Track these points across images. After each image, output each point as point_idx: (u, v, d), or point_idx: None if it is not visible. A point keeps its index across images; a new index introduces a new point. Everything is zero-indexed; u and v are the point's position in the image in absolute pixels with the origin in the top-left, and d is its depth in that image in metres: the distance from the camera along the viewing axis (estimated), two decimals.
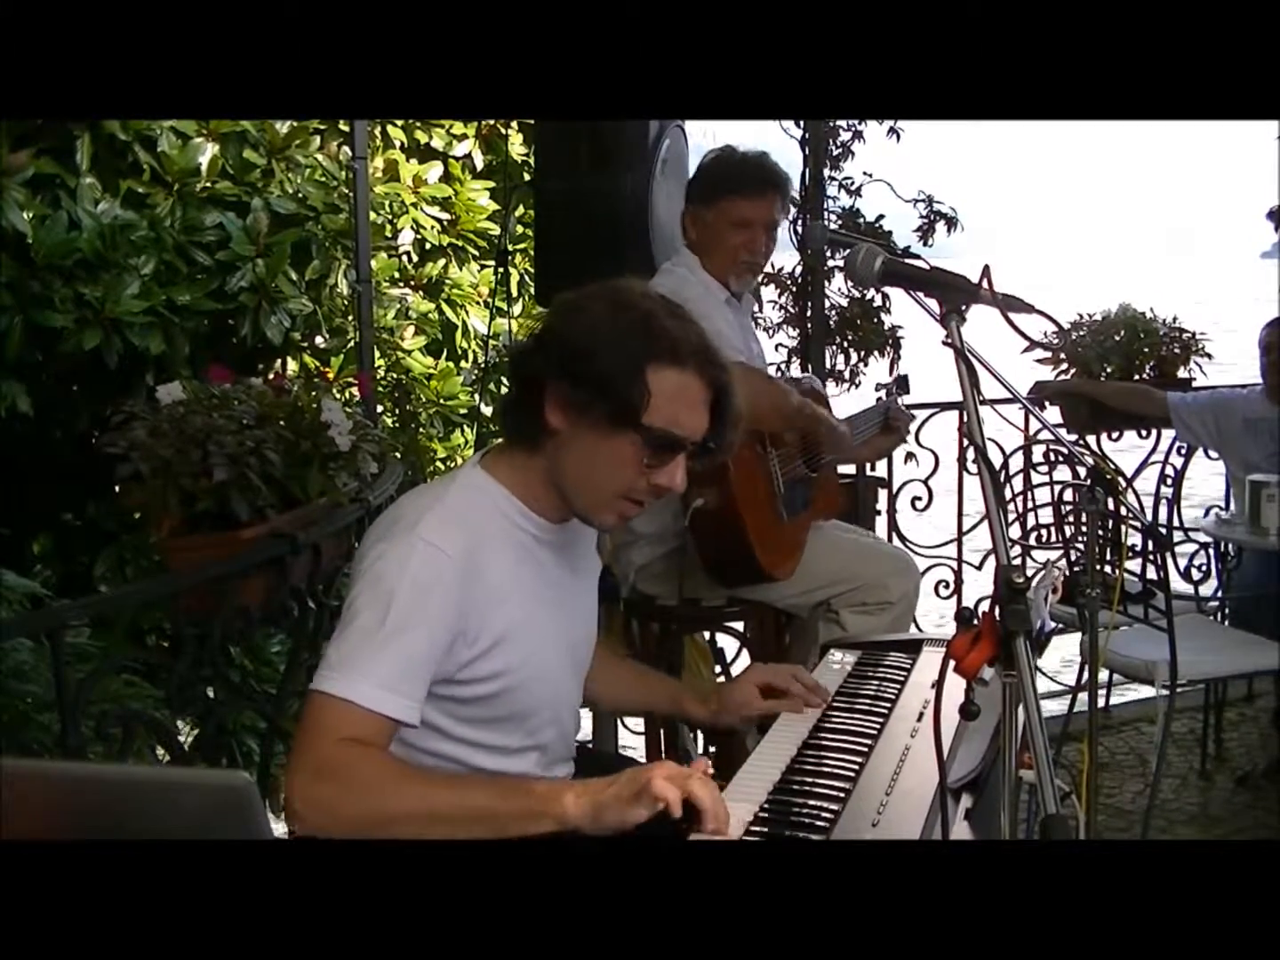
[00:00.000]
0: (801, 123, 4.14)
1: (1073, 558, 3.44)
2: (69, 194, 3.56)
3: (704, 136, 4.17)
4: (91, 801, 1.07)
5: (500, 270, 4.64)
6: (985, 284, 1.51)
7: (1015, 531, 3.97)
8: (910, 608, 3.02)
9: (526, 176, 4.55)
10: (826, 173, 4.30)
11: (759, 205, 2.89)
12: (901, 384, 3.39)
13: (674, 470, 1.67)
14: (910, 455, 4.15)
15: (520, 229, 4.89)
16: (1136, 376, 4.38)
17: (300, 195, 4.01)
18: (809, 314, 4.31)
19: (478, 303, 5.10)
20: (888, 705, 1.90)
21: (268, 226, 3.86)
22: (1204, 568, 4.35)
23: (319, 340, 4.36)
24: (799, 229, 4.03)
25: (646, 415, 1.62)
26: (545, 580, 1.76)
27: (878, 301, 4.41)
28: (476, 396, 4.81)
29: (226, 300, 3.81)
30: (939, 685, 1.28)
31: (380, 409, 4.42)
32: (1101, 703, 4.13)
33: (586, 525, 1.81)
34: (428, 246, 4.98)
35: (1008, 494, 3.97)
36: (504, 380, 4.10)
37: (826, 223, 4.21)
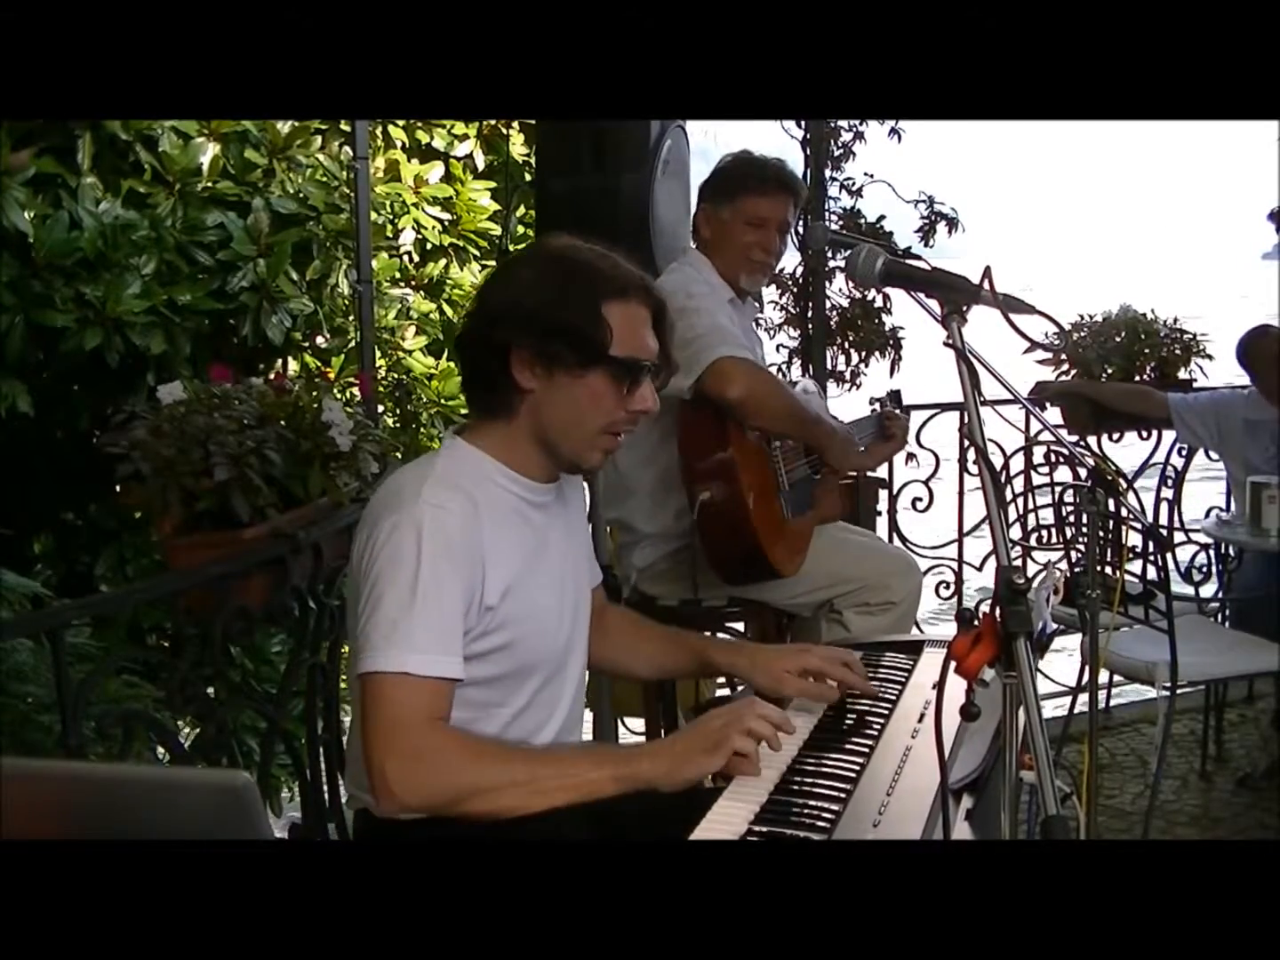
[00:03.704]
0: (803, 123, 4.14)
1: (1073, 559, 3.44)
2: (70, 193, 3.56)
3: (705, 137, 4.18)
4: (91, 801, 1.07)
5: None
6: (986, 285, 1.51)
7: (1016, 532, 3.97)
8: (912, 608, 3.03)
9: (528, 177, 4.56)
10: (828, 173, 4.30)
11: (775, 205, 2.92)
12: (894, 398, 3.40)
13: (646, 392, 1.80)
14: (911, 456, 4.15)
15: (521, 229, 4.89)
16: (1137, 377, 4.38)
17: (301, 195, 4.01)
18: (810, 315, 4.31)
19: None
20: (888, 706, 1.90)
21: (269, 226, 3.86)
22: (1204, 569, 4.35)
23: (320, 340, 4.36)
24: (800, 230, 4.03)
25: (613, 349, 1.74)
26: (538, 540, 1.83)
27: (879, 302, 4.40)
28: None
29: (227, 300, 3.81)
30: (940, 686, 1.28)
31: (381, 409, 4.42)
32: (1102, 704, 4.13)
33: (574, 473, 1.92)
34: (429, 246, 4.97)
35: (1008, 495, 3.97)
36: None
37: (828, 223, 4.22)
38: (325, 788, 2.69)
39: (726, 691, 3.47)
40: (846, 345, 4.39)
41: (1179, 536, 4.60)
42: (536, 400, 1.77)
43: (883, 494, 4.13)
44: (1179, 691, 3.33)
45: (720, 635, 3.32)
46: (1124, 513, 3.10)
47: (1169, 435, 4.41)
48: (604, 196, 2.84)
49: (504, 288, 1.81)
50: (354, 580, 1.75)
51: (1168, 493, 4.61)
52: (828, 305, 4.33)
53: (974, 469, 4.04)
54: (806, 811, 1.52)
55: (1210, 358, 4.45)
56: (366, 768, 1.63)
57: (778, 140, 4.08)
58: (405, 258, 4.93)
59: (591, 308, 1.74)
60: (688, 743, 1.67)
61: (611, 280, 1.77)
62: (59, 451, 3.92)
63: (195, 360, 3.75)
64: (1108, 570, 2.95)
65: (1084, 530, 2.78)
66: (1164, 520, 4.60)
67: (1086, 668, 2.50)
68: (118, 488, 2.57)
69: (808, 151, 4.20)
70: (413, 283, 4.97)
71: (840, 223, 4.31)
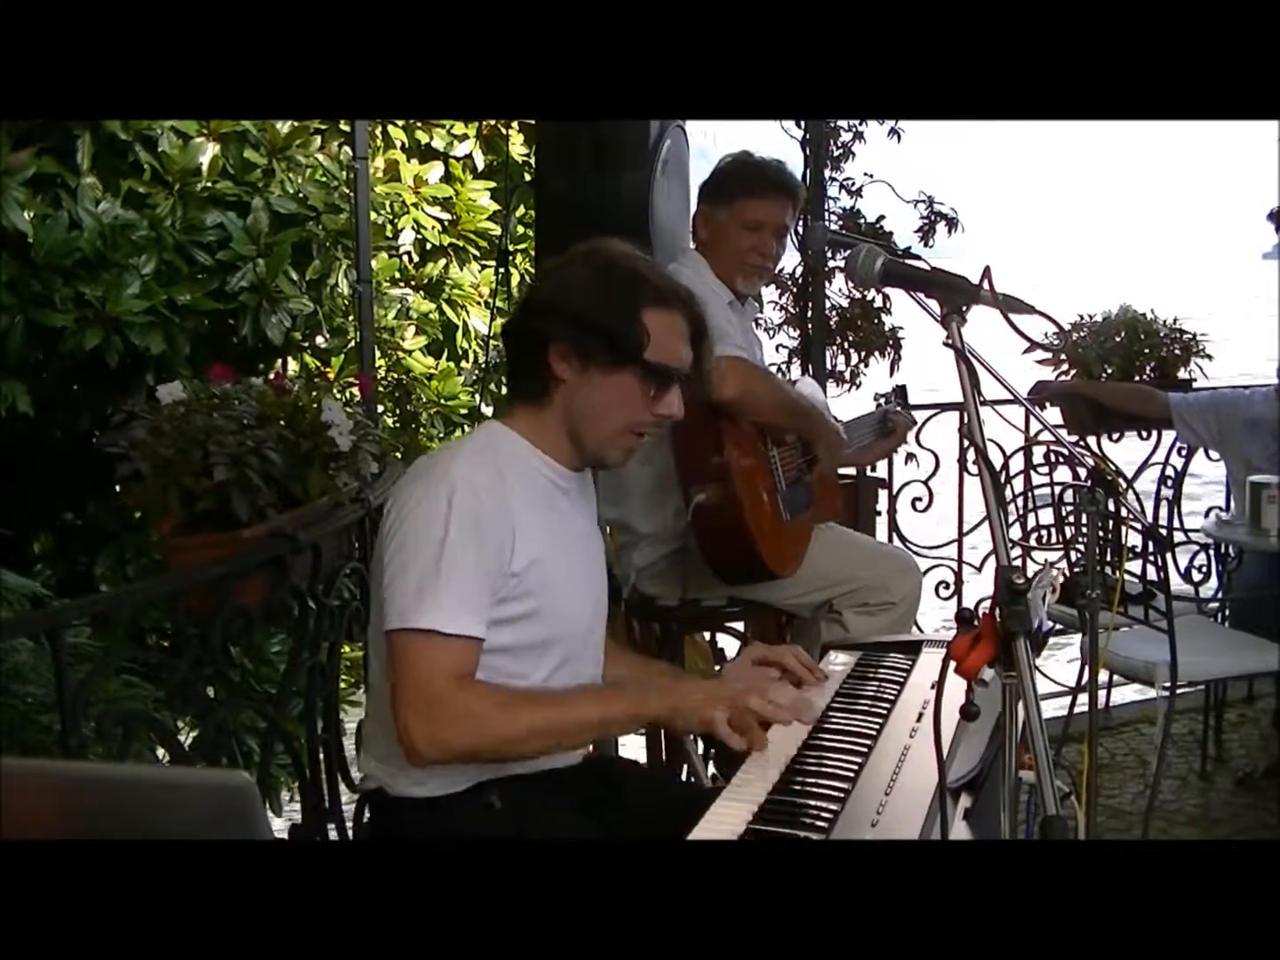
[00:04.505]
0: (802, 123, 4.14)
1: (1073, 559, 3.44)
2: (70, 193, 3.56)
3: (704, 137, 4.17)
4: (91, 801, 1.07)
5: (501, 270, 4.64)
6: (986, 285, 1.51)
7: (1016, 532, 3.97)
8: (912, 608, 3.02)
9: (527, 177, 4.55)
10: (827, 173, 4.30)
11: (772, 208, 2.91)
12: (900, 394, 3.39)
13: (673, 399, 1.88)
14: (911, 456, 4.15)
15: (521, 229, 4.89)
16: (1137, 377, 4.37)
17: (301, 195, 4.00)
18: (810, 315, 4.31)
19: (478, 303, 5.10)
20: (887, 705, 1.90)
21: (268, 226, 3.86)
22: (1204, 569, 4.35)
23: (320, 340, 4.35)
24: (800, 230, 4.03)
25: (646, 352, 1.83)
26: (564, 523, 1.90)
27: (878, 302, 4.40)
28: (477, 397, 4.81)
29: (227, 300, 3.80)
30: (939, 686, 1.28)
31: (381, 409, 4.42)
32: (1101, 704, 4.13)
33: (597, 467, 1.98)
34: (428, 246, 4.98)
35: (1008, 495, 3.97)
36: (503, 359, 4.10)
37: (827, 223, 4.21)
38: (325, 788, 2.69)
39: None
40: (846, 345, 4.39)
41: (1179, 536, 4.60)
42: (569, 390, 1.85)
43: (883, 494, 4.13)
44: (1179, 691, 3.33)
45: (720, 637, 3.33)
46: (1124, 513, 3.10)
47: (1169, 435, 4.40)
48: (604, 196, 2.84)
49: (554, 282, 1.90)
50: (381, 547, 1.80)
51: (1167, 493, 4.61)
52: (827, 305, 4.33)
53: (974, 469, 4.05)
54: (805, 811, 1.52)
55: (1210, 358, 4.45)
56: (394, 724, 1.67)
57: (777, 140, 4.07)
58: (405, 258, 4.93)
59: (631, 311, 1.82)
60: (699, 693, 1.76)
61: (655, 289, 1.86)
62: (59, 451, 3.91)
63: (195, 360, 3.74)
64: (1107, 570, 2.95)
65: (1084, 530, 2.79)
66: (1164, 520, 4.60)
67: (1086, 668, 2.50)
68: (118, 488, 2.57)
69: (807, 152, 4.19)
70: (412, 283, 4.97)
71: (840, 223, 4.31)
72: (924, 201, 4.43)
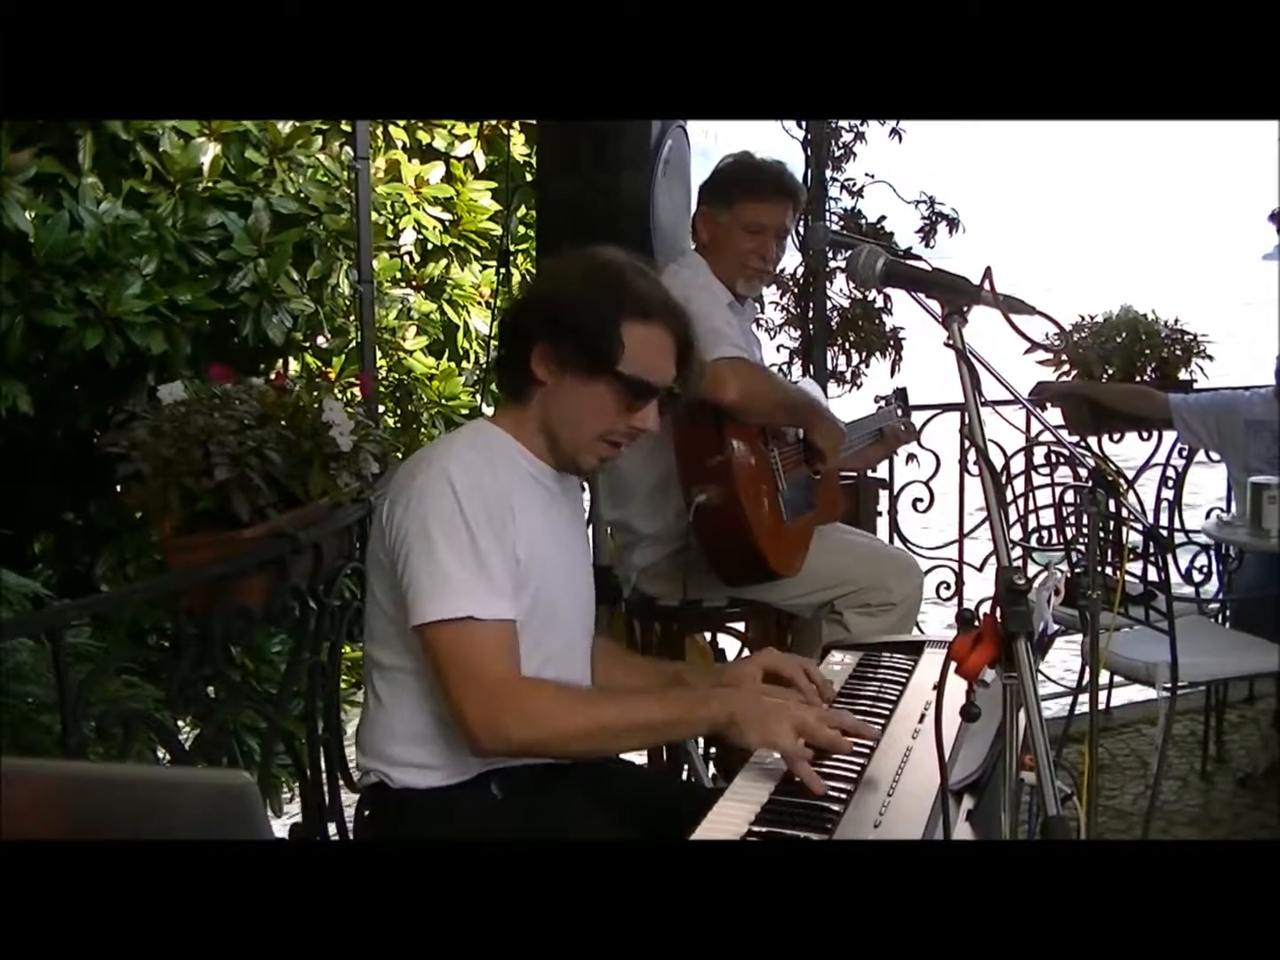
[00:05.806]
0: (803, 124, 4.14)
1: (1074, 559, 3.44)
2: (71, 193, 3.56)
3: (705, 137, 4.17)
4: (91, 801, 1.07)
5: (502, 270, 4.64)
6: (987, 285, 1.52)
7: (1016, 533, 3.97)
8: (913, 609, 3.02)
9: (528, 177, 4.56)
10: (828, 174, 4.30)
11: (773, 211, 2.91)
12: (900, 396, 3.40)
13: (648, 413, 1.85)
14: (911, 457, 4.15)
15: (522, 229, 4.88)
16: (1138, 378, 4.37)
17: (302, 195, 4.00)
18: (811, 315, 4.31)
19: (479, 303, 5.09)
20: (889, 706, 1.90)
21: (269, 226, 3.86)
22: (1205, 570, 4.35)
23: (320, 340, 4.35)
24: (801, 230, 4.03)
25: (622, 364, 1.81)
26: (550, 520, 1.89)
27: (879, 303, 4.40)
28: (478, 397, 4.81)
29: (228, 300, 3.80)
30: (940, 687, 1.28)
31: (382, 409, 4.42)
32: (1102, 705, 4.13)
33: (572, 472, 1.96)
34: (429, 247, 4.97)
35: (1009, 495, 3.97)
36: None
37: (828, 224, 4.21)
38: (325, 788, 2.69)
39: None
40: (847, 345, 4.39)
41: (1179, 537, 4.60)
42: (547, 393, 1.84)
43: (883, 494, 4.13)
44: (1179, 692, 3.33)
45: (721, 638, 3.33)
46: (1124, 513, 3.10)
47: (1169, 436, 4.41)
48: (604, 196, 2.84)
49: (544, 284, 1.92)
50: (386, 543, 1.78)
51: (1168, 493, 4.61)
52: (828, 306, 4.33)
53: (974, 469, 4.05)
54: (808, 812, 1.52)
55: (1211, 358, 4.45)
56: (452, 719, 1.70)
57: (778, 141, 4.08)
58: (406, 258, 4.92)
59: (610, 322, 1.80)
60: (759, 706, 1.71)
61: (638, 300, 1.82)
62: (59, 451, 3.91)
63: (195, 360, 3.74)
64: (1108, 571, 2.95)
65: (1084, 531, 2.78)
66: (1164, 521, 4.59)
67: (1087, 668, 2.50)
68: (118, 488, 2.57)
69: (808, 152, 4.19)
70: (413, 283, 4.97)
71: (841, 223, 4.31)
72: (925, 202, 4.43)
